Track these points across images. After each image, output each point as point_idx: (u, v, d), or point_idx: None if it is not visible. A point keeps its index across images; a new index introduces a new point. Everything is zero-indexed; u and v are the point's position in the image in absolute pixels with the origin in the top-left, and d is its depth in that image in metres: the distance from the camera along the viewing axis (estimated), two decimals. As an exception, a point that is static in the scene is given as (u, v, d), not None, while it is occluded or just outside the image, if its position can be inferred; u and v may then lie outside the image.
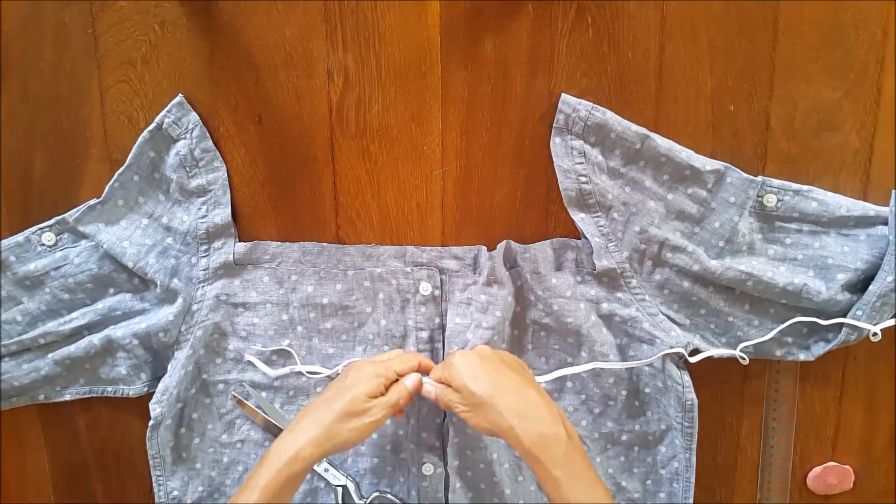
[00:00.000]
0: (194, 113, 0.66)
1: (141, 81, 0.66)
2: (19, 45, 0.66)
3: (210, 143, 0.67)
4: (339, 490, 0.71)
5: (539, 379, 0.67)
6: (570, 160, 0.65)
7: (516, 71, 0.65)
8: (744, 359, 0.67)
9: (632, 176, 0.65)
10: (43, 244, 0.68)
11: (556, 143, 0.65)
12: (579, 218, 0.66)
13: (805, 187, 0.65)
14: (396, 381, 0.63)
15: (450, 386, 0.61)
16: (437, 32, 0.64)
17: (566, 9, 0.63)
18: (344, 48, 0.65)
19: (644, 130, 0.64)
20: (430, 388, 0.63)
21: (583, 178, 0.65)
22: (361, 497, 0.71)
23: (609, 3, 0.63)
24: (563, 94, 0.64)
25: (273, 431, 0.70)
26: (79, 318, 0.69)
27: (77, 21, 0.65)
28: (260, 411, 0.70)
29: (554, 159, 0.65)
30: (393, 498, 0.71)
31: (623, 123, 0.64)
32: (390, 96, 0.66)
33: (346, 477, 0.71)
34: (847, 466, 0.74)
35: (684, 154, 0.64)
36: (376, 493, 0.71)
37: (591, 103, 0.64)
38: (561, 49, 0.64)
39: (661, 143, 0.64)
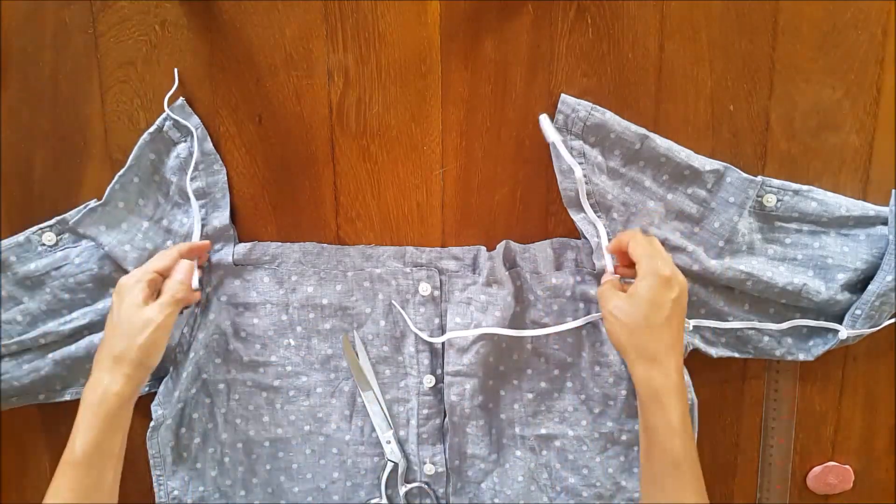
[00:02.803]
0: (195, 116, 0.66)
1: (141, 81, 0.66)
2: (19, 45, 0.66)
3: (210, 145, 0.67)
4: (389, 465, 0.71)
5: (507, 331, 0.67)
6: (569, 160, 0.64)
7: (516, 71, 0.65)
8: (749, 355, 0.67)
9: (631, 176, 0.65)
10: (43, 244, 0.68)
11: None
12: (579, 218, 0.66)
13: (805, 187, 0.65)
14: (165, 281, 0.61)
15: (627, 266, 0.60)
16: (437, 32, 0.64)
17: (566, 9, 0.63)
18: (344, 48, 0.65)
19: (643, 130, 0.64)
20: (607, 265, 0.62)
21: (571, 182, 0.65)
22: (406, 483, 0.71)
23: (609, 3, 0.63)
24: (563, 95, 0.64)
25: (361, 386, 0.70)
26: (79, 317, 0.69)
27: (77, 21, 0.65)
28: (359, 361, 0.70)
29: (553, 160, 0.65)
30: (429, 490, 0.72)
31: (622, 123, 0.64)
32: (390, 96, 0.66)
33: (404, 456, 0.71)
34: (847, 466, 0.74)
35: (683, 154, 0.64)
36: (415, 485, 0.72)
37: (590, 103, 0.64)
38: (561, 49, 0.64)
39: (661, 143, 0.64)
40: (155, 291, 0.61)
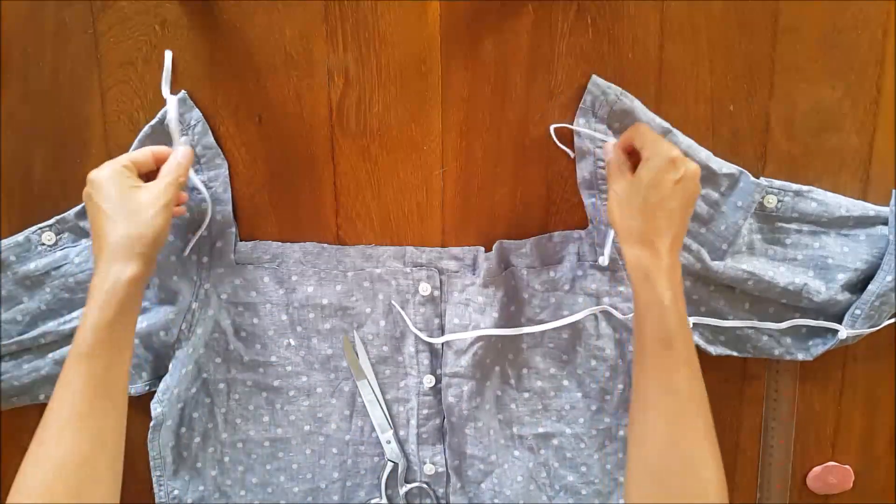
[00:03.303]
0: (197, 109, 0.66)
1: (141, 81, 0.66)
2: (20, 45, 0.66)
3: (212, 139, 0.67)
4: (389, 465, 0.71)
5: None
6: (590, 142, 0.65)
7: (516, 71, 0.65)
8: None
9: None
10: (43, 244, 0.68)
11: (579, 123, 0.65)
12: (590, 203, 0.66)
13: (805, 188, 0.65)
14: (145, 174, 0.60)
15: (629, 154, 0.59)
16: (437, 32, 0.64)
17: (566, 9, 0.63)
18: (344, 48, 0.65)
19: (667, 124, 0.64)
20: (610, 148, 0.61)
21: (600, 163, 0.65)
22: (406, 482, 0.71)
23: (609, 3, 0.63)
24: (594, 76, 0.64)
25: (361, 386, 0.70)
26: (79, 317, 0.69)
27: (77, 21, 0.65)
28: (359, 361, 0.70)
29: (575, 139, 0.65)
30: (429, 490, 0.72)
31: (648, 114, 0.64)
32: (390, 96, 0.66)
33: (404, 456, 0.71)
34: (847, 466, 0.74)
35: (703, 154, 0.64)
36: (415, 485, 0.71)
37: (619, 88, 0.63)
38: (561, 49, 0.64)
39: (682, 139, 0.64)
40: (138, 178, 0.58)
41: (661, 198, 0.55)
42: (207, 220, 0.67)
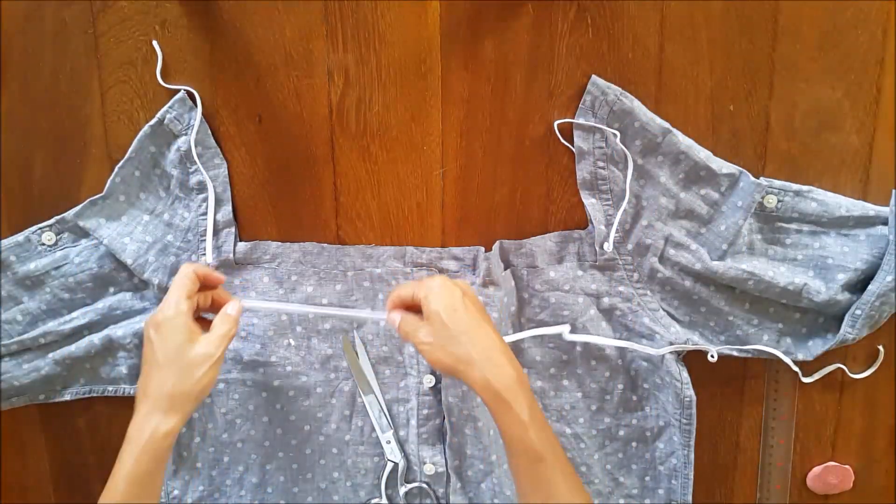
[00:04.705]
0: (196, 109, 0.66)
1: (141, 81, 0.66)
2: (19, 45, 0.66)
3: (211, 139, 0.67)
4: (389, 465, 0.71)
5: (508, 338, 0.66)
6: (590, 142, 0.65)
7: (516, 71, 0.65)
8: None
9: (648, 169, 0.65)
10: (43, 244, 0.68)
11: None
12: (590, 203, 0.66)
13: (805, 188, 0.65)
14: (202, 312, 0.61)
15: (414, 310, 0.59)
16: (437, 32, 0.64)
17: (566, 9, 0.63)
18: (344, 48, 0.65)
19: (667, 125, 0.64)
20: (395, 316, 0.60)
21: (600, 163, 0.65)
22: (406, 483, 0.71)
23: (609, 3, 0.63)
24: (593, 76, 0.64)
25: (361, 386, 0.70)
26: (79, 317, 0.69)
27: (77, 21, 0.65)
28: (359, 361, 0.70)
29: (574, 139, 0.65)
30: (429, 490, 0.72)
31: (648, 114, 0.64)
32: (390, 96, 0.66)
33: (404, 456, 0.71)
34: (847, 466, 0.74)
35: (703, 154, 0.64)
36: (415, 485, 0.71)
37: (619, 88, 0.64)
38: (561, 49, 0.64)
39: (682, 139, 0.64)
40: (196, 321, 0.59)
41: (466, 317, 0.56)
42: (211, 222, 0.67)
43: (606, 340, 0.67)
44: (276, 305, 0.67)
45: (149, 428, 0.55)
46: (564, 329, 0.66)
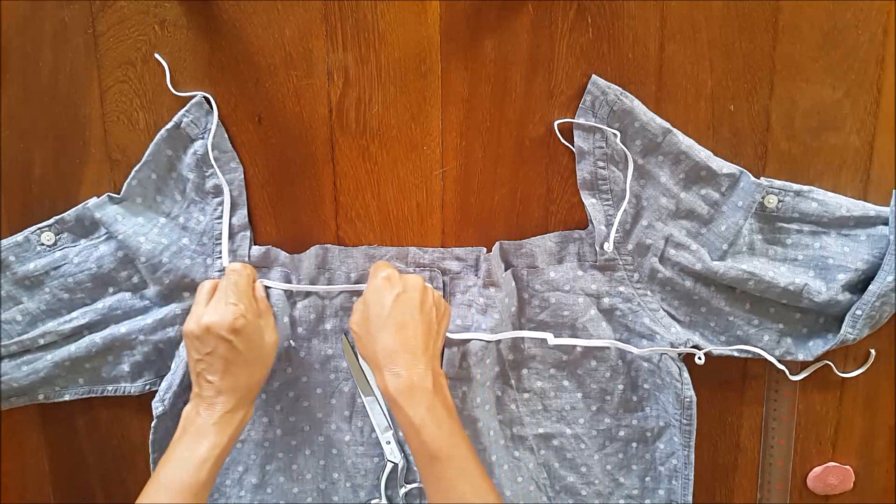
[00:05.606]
0: (213, 113, 0.66)
1: (141, 81, 0.66)
2: (19, 45, 0.66)
3: (228, 143, 0.67)
4: (389, 466, 0.71)
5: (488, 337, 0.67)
6: (590, 142, 0.65)
7: (516, 71, 0.65)
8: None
9: (648, 169, 0.65)
10: (42, 244, 0.68)
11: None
12: (590, 203, 0.66)
13: (805, 188, 0.65)
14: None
15: None
16: (437, 32, 0.64)
17: (566, 9, 0.63)
18: (344, 48, 0.65)
19: (667, 125, 0.64)
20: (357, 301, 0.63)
21: (601, 163, 0.65)
22: (406, 483, 0.71)
23: (609, 3, 0.63)
24: (594, 76, 0.64)
25: (361, 387, 0.70)
26: (79, 317, 0.69)
27: (77, 21, 0.65)
28: (359, 362, 0.70)
29: (575, 139, 0.65)
30: None
31: (648, 114, 0.64)
32: (390, 96, 0.66)
33: (404, 456, 0.71)
34: (847, 467, 0.73)
35: (703, 154, 0.64)
36: (415, 485, 0.71)
37: (619, 88, 0.64)
38: (561, 49, 0.64)
39: (682, 139, 0.64)
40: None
41: (384, 317, 0.58)
42: (227, 226, 0.67)
43: (591, 342, 0.67)
44: (287, 286, 0.68)
45: (237, 419, 0.60)
46: (548, 336, 0.67)
